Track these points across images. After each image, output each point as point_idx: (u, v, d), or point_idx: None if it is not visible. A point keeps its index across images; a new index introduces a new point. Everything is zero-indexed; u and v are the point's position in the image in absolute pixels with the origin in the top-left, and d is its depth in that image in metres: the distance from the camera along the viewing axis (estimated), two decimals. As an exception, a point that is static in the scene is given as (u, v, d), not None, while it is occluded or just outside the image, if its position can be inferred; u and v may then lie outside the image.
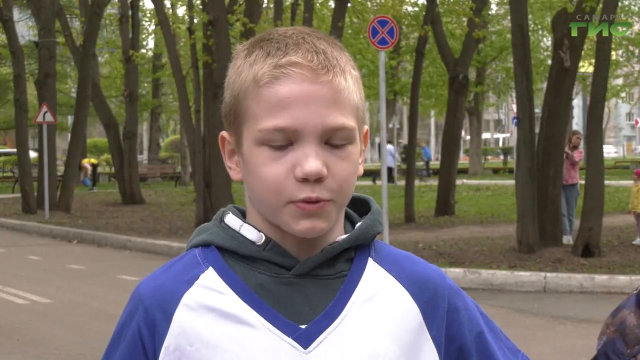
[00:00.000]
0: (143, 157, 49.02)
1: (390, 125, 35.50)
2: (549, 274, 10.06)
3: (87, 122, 25.08)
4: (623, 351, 1.33)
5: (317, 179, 1.19)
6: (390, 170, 30.32)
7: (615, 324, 1.37)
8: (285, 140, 1.20)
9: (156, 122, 39.53)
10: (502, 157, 45.82)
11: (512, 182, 18.08)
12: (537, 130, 12.87)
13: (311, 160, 1.19)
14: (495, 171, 40.24)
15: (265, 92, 1.21)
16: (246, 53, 1.26)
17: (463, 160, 43.72)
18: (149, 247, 14.36)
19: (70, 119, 38.01)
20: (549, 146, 12.53)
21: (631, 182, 13.92)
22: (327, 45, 1.24)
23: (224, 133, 1.32)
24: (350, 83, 1.24)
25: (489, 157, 49.32)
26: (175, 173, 37.23)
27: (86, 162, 33.16)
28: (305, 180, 1.19)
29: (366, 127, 1.31)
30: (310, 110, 1.20)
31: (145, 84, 39.34)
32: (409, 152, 17.95)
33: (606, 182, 13.27)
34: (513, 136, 27.03)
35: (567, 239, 12.75)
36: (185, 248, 1.34)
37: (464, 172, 35.45)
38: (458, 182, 21.45)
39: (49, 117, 20.23)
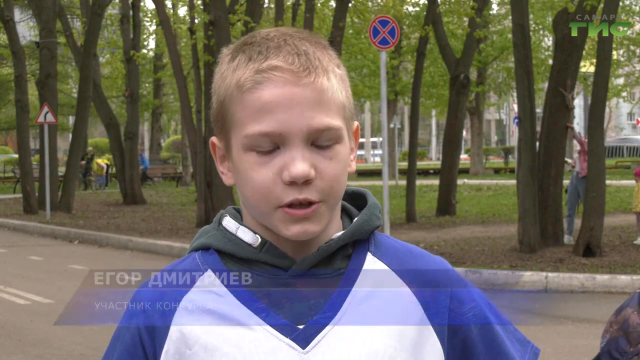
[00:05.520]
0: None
1: (392, 125, 35.49)
2: (550, 274, 10.05)
3: (88, 123, 25.07)
4: (626, 349, 1.34)
5: (305, 181, 1.19)
6: None
7: (619, 323, 1.38)
8: (271, 145, 1.20)
9: (157, 123, 39.54)
10: (503, 156, 45.79)
11: (514, 182, 18.11)
12: (538, 129, 12.86)
13: (298, 163, 1.18)
14: (497, 171, 40.23)
15: (248, 97, 1.21)
16: (230, 58, 1.26)
17: (464, 160, 43.72)
18: (151, 247, 14.36)
19: (71, 119, 38.01)
20: (550, 146, 12.52)
21: (632, 182, 13.96)
22: (309, 46, 1.23)
23: (214, 139, 1.33)
24: (334, 82, 1.23)
25: (490, 157, 49.32)
26: (177, 173, 37.22)
27: (101, 162, 33.29)
28: (293, 183, 1.19)
29: (356, 123, 1.30)
30: (294, 113, 1.19)
31: (147, 84, 39.37)
32: (411, 152, 17.91)
33: (607, 181, 13.26)
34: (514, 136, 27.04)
35: (569, 239, 12.73)
36: (187, 249, 1.35)
37: (465, 171, 35.44)
38: (459, 181, 21.45)
39: (50, 118, 20.23)
